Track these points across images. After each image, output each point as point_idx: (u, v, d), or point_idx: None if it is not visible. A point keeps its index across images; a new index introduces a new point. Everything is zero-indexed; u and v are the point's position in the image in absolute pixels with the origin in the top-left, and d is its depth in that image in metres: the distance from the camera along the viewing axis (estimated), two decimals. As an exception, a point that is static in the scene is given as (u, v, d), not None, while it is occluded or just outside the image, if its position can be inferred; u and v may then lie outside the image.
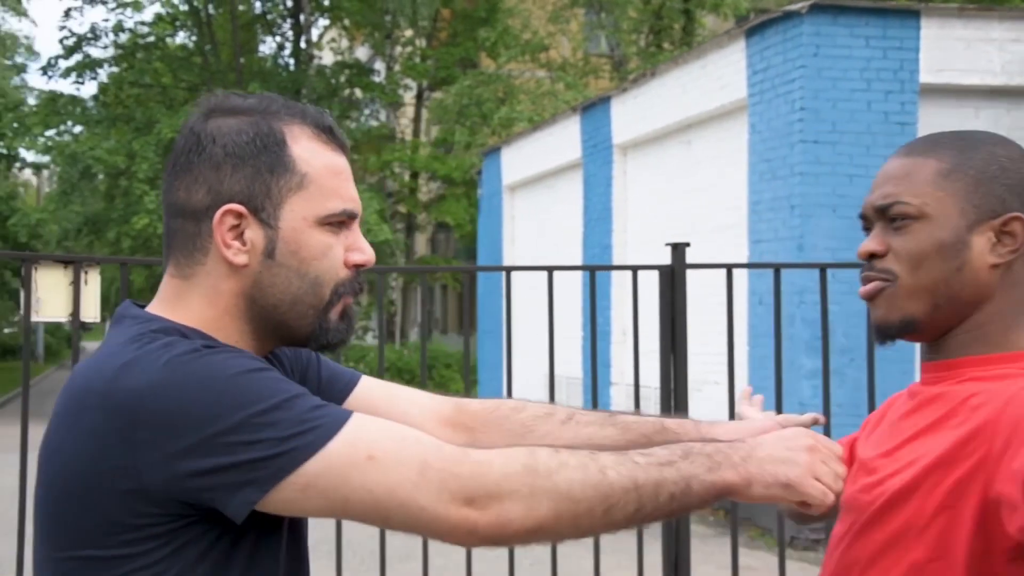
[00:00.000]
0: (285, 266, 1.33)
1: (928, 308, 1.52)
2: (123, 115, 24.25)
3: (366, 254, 1.39)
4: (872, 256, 1.56)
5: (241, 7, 27.00)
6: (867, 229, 1.60)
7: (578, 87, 21.20)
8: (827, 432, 4.80)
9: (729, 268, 5.04)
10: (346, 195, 1.36)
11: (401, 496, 1.22)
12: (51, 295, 4.39)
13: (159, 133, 22.00)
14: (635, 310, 5.00)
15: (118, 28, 25.36)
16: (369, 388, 1.61)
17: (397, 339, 26.96)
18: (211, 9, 26.48)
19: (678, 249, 5.10)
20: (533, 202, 13.99)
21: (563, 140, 12.73)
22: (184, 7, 25.94)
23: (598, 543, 4.96)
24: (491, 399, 1.66)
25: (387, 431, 1.26)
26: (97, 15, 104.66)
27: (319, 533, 8.32)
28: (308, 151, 1.34)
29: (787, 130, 8.64)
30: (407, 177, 26.27)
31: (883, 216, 1.55)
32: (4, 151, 28.21)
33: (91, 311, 4.44)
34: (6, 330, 46.89)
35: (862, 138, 8.56)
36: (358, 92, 27.15)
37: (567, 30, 22.60)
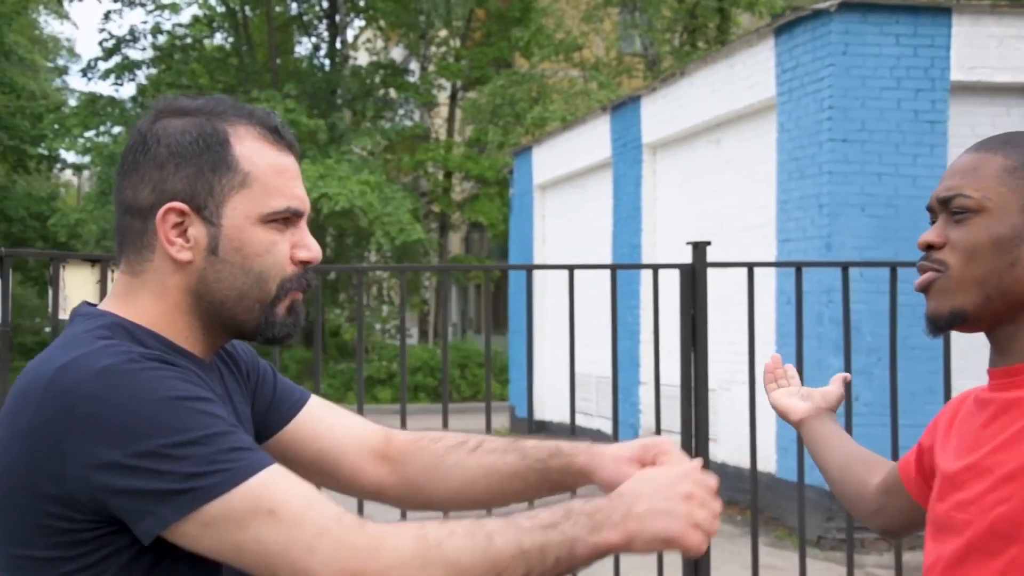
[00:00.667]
0: (229, 262, 1.36)
1: (978, 300, 1.53)
2: (161, 116, 24.52)
3: (312, 251, 1.41)
4: (930, 247, 1.58)
5: (278, 8, 27.20)
6: (933, 222, 1.61)
7: (611, 86, 21.19)
8: (849, 429, 4.79)
9: (750, 267, 5.04)
10: (290, 193, 1.39)
11: (293, 556, 1.22)
12: (78, 293, 4.46)
13: (194, 133, 22.24)
14: (655, 309, 5.01)
15: (156, 30, 25.64)
16: (315, 411, 1.63)
17: (431, 338, 27.05)
18: (247, 11, 26.69)
19: (699, 248, 5.12)
20: (563, 201, 14.01)
21: (593, 139, 12.74)
22: (221, 9, 26.16)
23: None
24: (416, 432, 1.67)
25: (295, 490, 1.26)
26: (136, 17, 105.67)
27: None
28: (252, 150, 1.38)
29: (815, 129, 8.61)
30: (441, 177, 26.36)
31: (945, 208, 1.57)
32: (45, 152, 28.62)
33: (117, 309, 4.53)
34: (46, 328, 47.40)
35: (891, 136, 8.52)
36: (392, 92, 27.27)
37: (600, 29, 22.59)
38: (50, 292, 4.40)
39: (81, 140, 24.93)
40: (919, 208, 8.58)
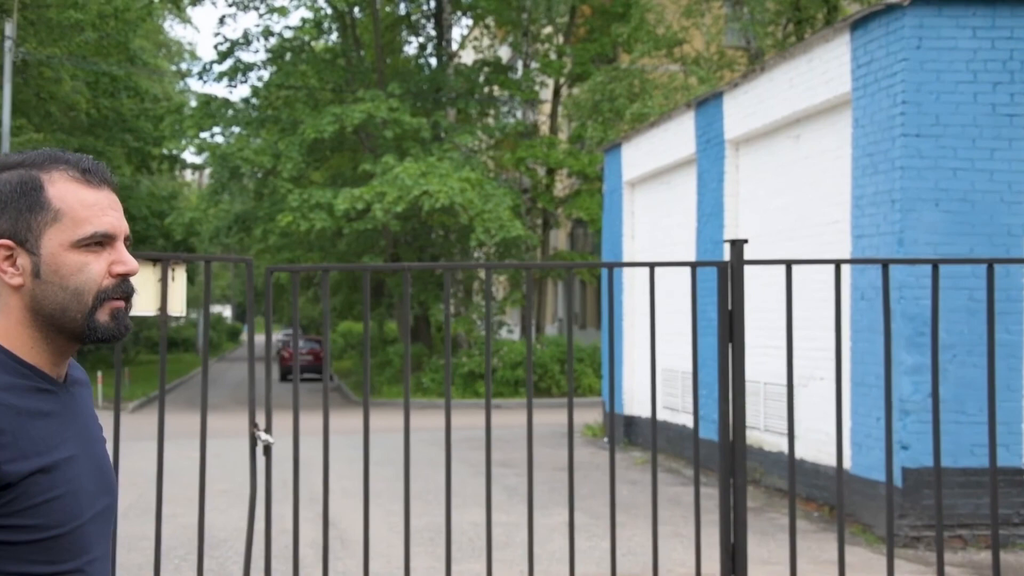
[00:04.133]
0: (50, 283, 1.66)
1: None
2: (271, 116, 25.26)
3: (128, 265, 1.70)
4: None
5: (387, 8, 27.74)
6: None
7: (712, 81, 21.09)
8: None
9: (788, 264, 5.13)
10: (98, 222, 1.68)
11: None
12: (141, 291, 4.79)
13: (302, 133, 22.85)
14: (694, 306, 5.13)
15: (267, 32, 26.40)
16: None
17: (533, 333, 27.30)
18: (356, 12, 27.28)
19: (736, 246, 5.22)
20: (651, 198, 14.08)
21: (678, 136, 12.79)
22: (329, 11, 26.79)
23: (656, 528, 5.14)
24: None
25: None
26: (249, 20, 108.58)
27: (421, 520, 8.68)
28: (63, 191, 1.68)
29: (888, 124, 8.56)
30: (543, 173, 26.55)
31: None
32: (168, 152, 29.74)
33: (177, 306, 4.83)
34: (171, 324, 49.18)
35: (967, 131, 8.42)
36: (496, 90, 27.57)
37: (701, 24, 22.47)
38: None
39: (197, 141, 25.82)
40: (995, 203, 8.50)
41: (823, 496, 9.87)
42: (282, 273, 35.26)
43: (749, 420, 11.21)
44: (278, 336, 43.39)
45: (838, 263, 5.15)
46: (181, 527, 8.87)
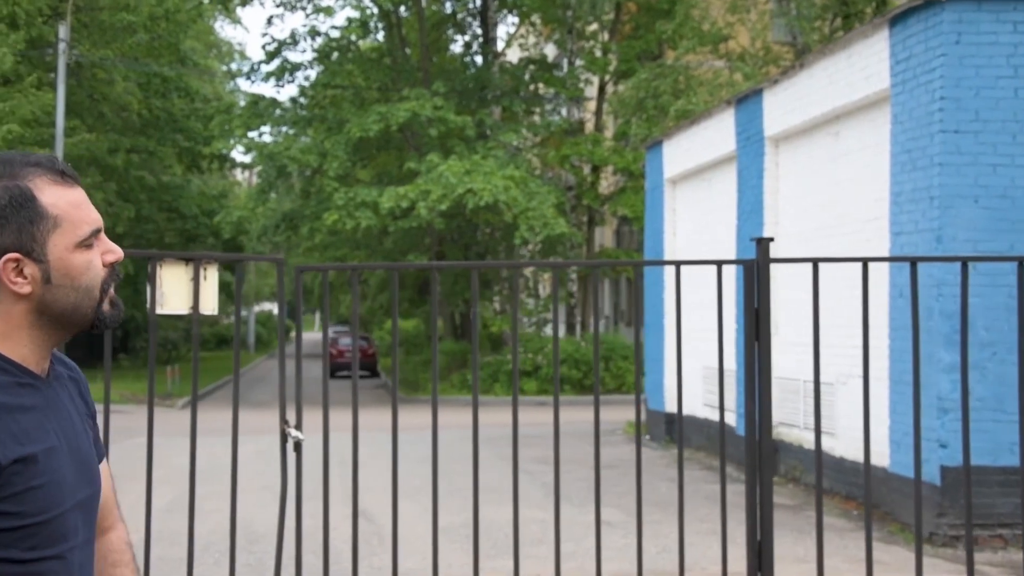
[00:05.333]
0: (62, 286, 1.74)
1: None
2: (318, 116, 25.49)
3: (116, 252, 1.79)
4: None
5: (433, 7, 27.85)
6: None
7: (757, 77, 20.97)
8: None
9: (815, 262, 5.13)
10: (89, 219, 1.76)
11: None
12: (174, 289, 4.89)
13: (348, 132, 23.04)
14: (719, 304, 5.15)
15: (313, 32, 26.62)
16: (103, 469, 1.97)
17: (577, 331, 27.28)
18: (402, 10, 27.42)
19: (762, 244, 5.23)
20: (692, 195, 14.05)
21: (719, 133, 12.76)
22: (374, 10, 26.95)
23: (682, 525, 5.17)
24: (123, 544, 2.05)
25: None
26: (297, 20, 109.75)
27: (459, 517, 8.74)
28: (53, 196, 1.74)
29: (927, 120, 8.49)
30: (588, 171, 26.54)
31: None
32: (217, 152, 30.10)
33: (209, 304, 4.93)
34: (224, 321, 49.79)
35: (1008, 126, 8.32)
36: (541, 87, 27.60)
37: (746, 19, 22.35)
38: (148, 289, 4.84)
39: (244, 140, 26.11)
40: (1037, 199, 8.37)
41: (862, 495, 9.80)
42: (329, 271, 35.61)
43: (789, 418, 11.16)
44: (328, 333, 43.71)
45: (865, 261, 5.14)
46: (223, 522, 9.01)
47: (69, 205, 1.75)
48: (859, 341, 9.63)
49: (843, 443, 9.92)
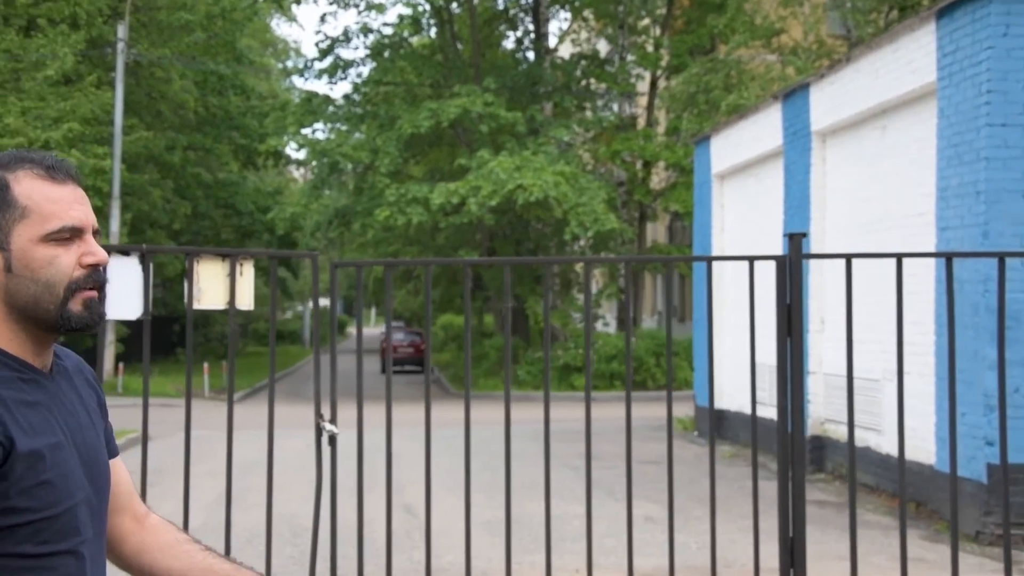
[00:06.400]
0: (22, 276, 1.73)
1: None
2: (370, 112, 25.66)
3: (97, 256, 1.76)
4: None
5: (485, 3, 27.90)
6: None
7: (809, 71, 20.76)
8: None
9: (848, 258, 5.11)
10: (65, 216, 1.74)
11: None
12: (210, 285, 4.98)
13: (399, 129, 23.18)
14: (751, 299, 5.14)
15: (364, 29, 26.79)
16: (117, 464, 2.00)
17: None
18: (454, 7, 27.50)
19: (794, 239, 5.21)
20: (740, 190, 13.97)
21: (766, 128, 12.68)
22: (425, 6, 27.05)
23: (714, 521, 5.17)
24: (168, 523, 2.08)
25: None
26: (349, 18, 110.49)
27: (501, 511, 8.77)
28: (28, 188, 1.73)
29: (973, 114, 8.38)
30: (639, 166, 26.46)
31: None
32: (272, 149, 30.46)
33: (245, 300, 5.02)
34: (281, 316, 50.35)
35: (1056, 120, 8.20)
36: (593, 83, 27.54)
37: (799, 13, 22.13)
38: (186, 284, 4.94)
39: (297, 137, 26.34)
40: (1085, 194, 8.23)
41: (909, 493, 9.71)
42: (377, 267, 35.73)
43: (836, 415, 11.07)
44: (382, 329, 44.16)
45: (899, 256, 5.10)
46: (275, 515, 9.14)
47: (45, 199, 1.74)
48: (905, 338, 9.55)
49: (890, 440, 9.83)
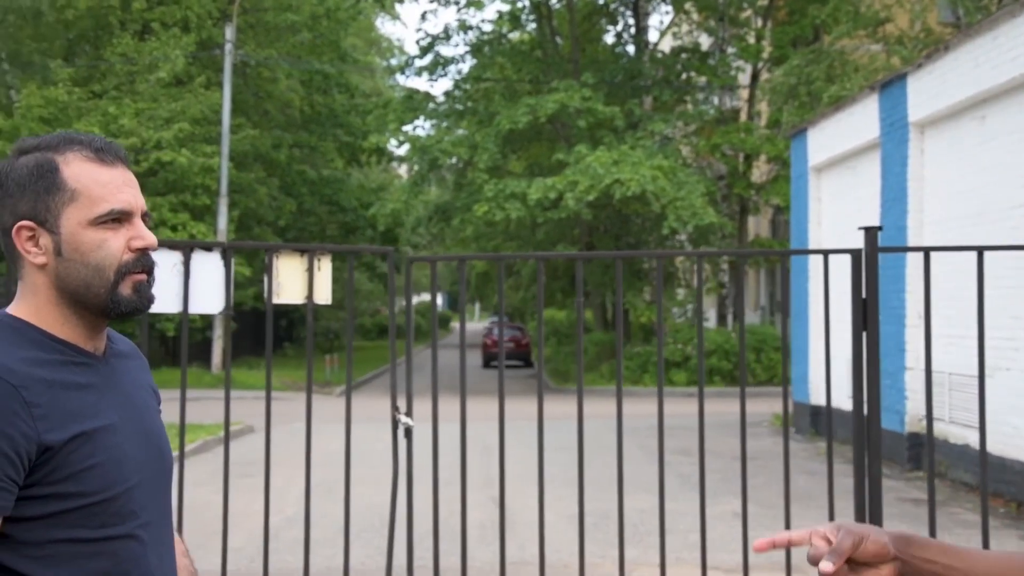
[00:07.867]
0: (72, 260, 1.73)
1: None
2: (469, 109, 25.85)
3: (146, 240, 1.77)
4: None
5: (586, -1, 27.86)
6: None
7: (914, 60, 20.25)
8: None
9: (926, 251, 5.02)
10: (114, 199, 1.75)
11: None
12: (289, 280, 5.12)
13: (498, 125, 23.30)
14: (826, 293, 5.09)
15: (464, 27, 26.98)
16: None
17: (729, 322, 26.93)
18: (553, 2, 27.52)
19: (870, 233, 5.13)
20: (837, 183, 13.73)
21: (862, 119, 12.43)
22: (524, 2, 27.11)
23: (788, 517, 5.14)
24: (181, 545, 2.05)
25: None
26: (450, 15, 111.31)
27: (589, 505, 8.76)
28: (78, 171, 1.74)
29: (1074, 102, 8.12)
30: (741, 159, 26.14)
31: None
32: (375, 146, 30.92)
33: (323, 294, 5.15)
34: (383, 311, 51.00)
35: None
36: (693, 76, 27.29)
37: (906, 1, 21.58)
38: (265, 279, 5.09)
39: (399, 134, 26.66)
40: None
41: (1010, 491, 9.46)
42: (478, 262, 35.87)
43: (934, 412, 10.80)
44: (486, 324, 44.49)
45: (980, 249, 4.99)
46: (365, 507, 9.33)
47: (94, 182, 1.74)
48: (1006, 333, 9.29)
49: (990, 438, 9.57)
